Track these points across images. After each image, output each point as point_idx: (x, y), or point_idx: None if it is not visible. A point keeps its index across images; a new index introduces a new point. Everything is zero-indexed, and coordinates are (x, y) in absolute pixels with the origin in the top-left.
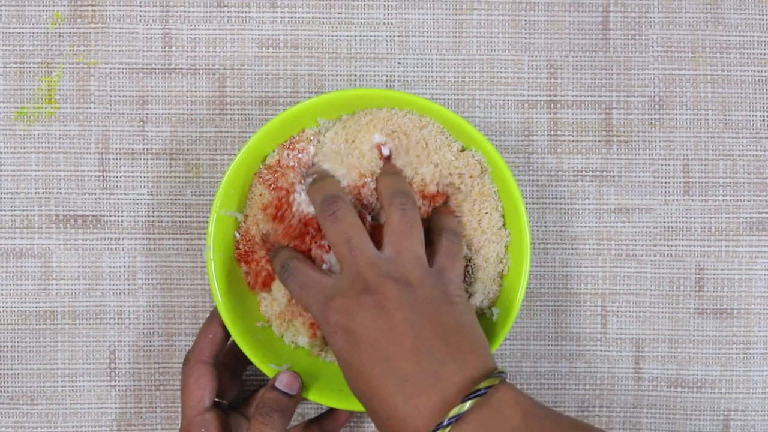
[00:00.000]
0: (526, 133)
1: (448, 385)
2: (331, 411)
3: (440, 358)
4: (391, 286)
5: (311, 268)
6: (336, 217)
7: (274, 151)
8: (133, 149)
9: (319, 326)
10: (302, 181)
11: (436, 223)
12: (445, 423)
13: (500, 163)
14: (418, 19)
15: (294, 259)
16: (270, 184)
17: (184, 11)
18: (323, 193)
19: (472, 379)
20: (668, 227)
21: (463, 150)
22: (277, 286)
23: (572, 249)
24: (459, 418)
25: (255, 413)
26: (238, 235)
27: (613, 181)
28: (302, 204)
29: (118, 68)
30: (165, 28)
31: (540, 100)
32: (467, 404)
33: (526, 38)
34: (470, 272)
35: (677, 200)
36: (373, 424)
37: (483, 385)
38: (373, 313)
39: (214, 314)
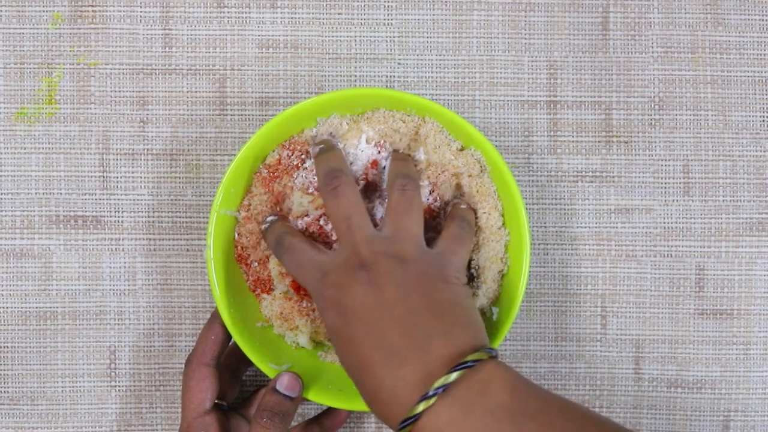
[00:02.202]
0: (526, 133)
1: (433, 357)
2: (331, 409)
3: (428, 331)
4: (385, 261)
5: (307, 244)
6: (337, 193)
7: (274, 151)
8: (133, 150)
9: (315, 302)
10: (302, 169)
11: (452, 212)
12: (430, 393)
13: (499, 162)
14: (418, 19)
15: (288, 235)
16: (267, 185)
17: (185, 12)
18: (327, 166)
19: (459, 353)
20: (668, 228)
21: (462, 149)
22: (278, 284)
23: (572, 249)
24: (444, 390)
25: (255, 416)
26: (237, 235)
27: (613, 181)
28: (293, 208)
29: (119, 69)
30: (165, 29)
31: (540, 101)
32: (452, 376)
33: (526, 39)
34: (475, 275)
35: (677, 201)
36: (372, 424)
37: (470, 358)
38: (365, 288)
39: (215, 316)
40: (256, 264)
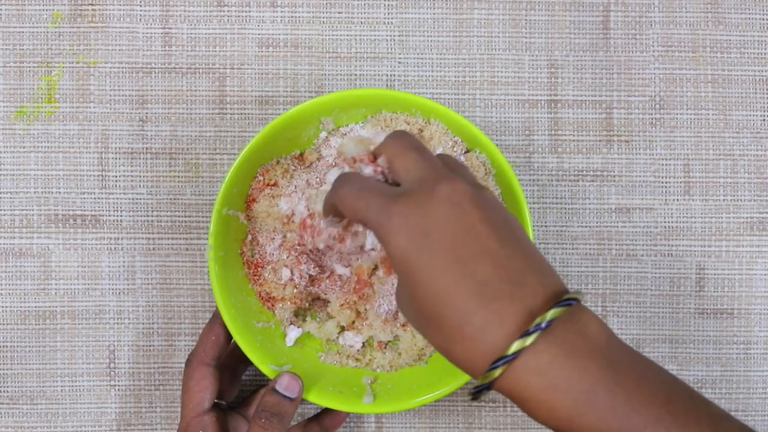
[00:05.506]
0: (527, 132)
1: (531, 293)
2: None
3: (521, 265)
4: (464, 184)
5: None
6: (404, 134)
7: (282, 158)
8: (132, 148)
9: (376, 230)
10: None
11: None
12: (531, 330)
13: (504, 166)
14: (419, 18)
15: (353, 173)
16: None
17: (184, 10)
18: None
19: (555, 291)
20: (669, 227)
21: (467, 152)
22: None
23: (573, 249)
24: (544, 328)
25: (254, 416)
26: (243, 247)
27: (614, 180)
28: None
29: (118, 67)
30: (165, 28)
31: (541, 100)
32: (550, 313)
33: (526, 38)
34: None
35: (678, 200)
36: (372, 424)
37: (568, 296)
38: (448, 207)
39: (216, 316)
40: (267, 274)
